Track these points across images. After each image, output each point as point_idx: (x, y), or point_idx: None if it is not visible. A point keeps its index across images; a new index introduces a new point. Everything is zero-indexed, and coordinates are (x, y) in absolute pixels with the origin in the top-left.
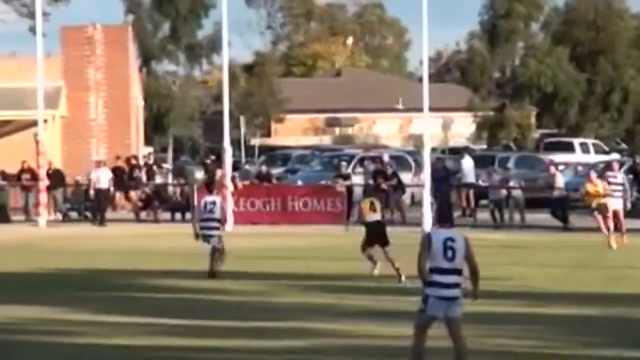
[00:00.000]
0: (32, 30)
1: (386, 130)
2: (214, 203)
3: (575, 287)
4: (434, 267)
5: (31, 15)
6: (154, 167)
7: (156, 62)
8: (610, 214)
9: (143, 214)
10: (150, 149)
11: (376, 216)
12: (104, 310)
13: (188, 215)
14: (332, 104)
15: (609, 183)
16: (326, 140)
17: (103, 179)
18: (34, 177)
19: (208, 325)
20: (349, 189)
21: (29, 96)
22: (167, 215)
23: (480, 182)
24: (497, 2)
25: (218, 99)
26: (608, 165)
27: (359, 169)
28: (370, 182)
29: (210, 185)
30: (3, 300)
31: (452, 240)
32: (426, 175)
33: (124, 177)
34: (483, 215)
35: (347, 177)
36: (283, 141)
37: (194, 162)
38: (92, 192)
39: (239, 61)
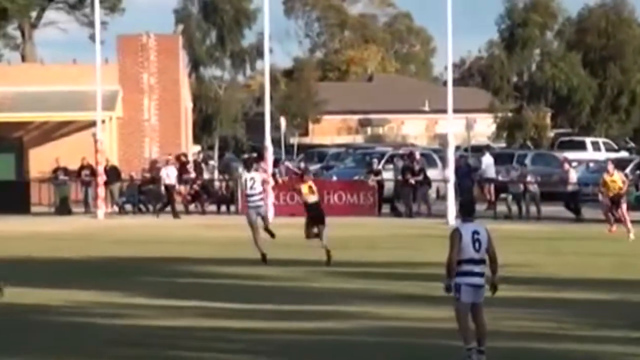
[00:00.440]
0: (92, 38)
1: (414, 130)
2: (253, 179)
3: (586, 274)
4: (465, 259)
5: (90, 24)
6: (202, 164)
7: (204, 67)
8: (624, 206)
9: (192, 207)
10: (199, 148)
11: (314, 197)
12: (154, 294)
13: (232, 208)
14: (364, 106)
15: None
16: (359, 139)
17: (171, 175)
18: (93, 173)
19: (248, 308)
20: (380, 184)
21: (89, 99)
22: (213, 207)
23: (500, 178)
24: (515, 12)
25: (260, 101)
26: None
27: (389, 166)
28: (399, 177)
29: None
30: (65, 285)
31: (478, 232)
32: (450, 171)
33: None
34: (503, 208)
35: (378, 172)
36: (319, 140)
37: (238, 160)
38: (162, 187)
39: (280, 67)
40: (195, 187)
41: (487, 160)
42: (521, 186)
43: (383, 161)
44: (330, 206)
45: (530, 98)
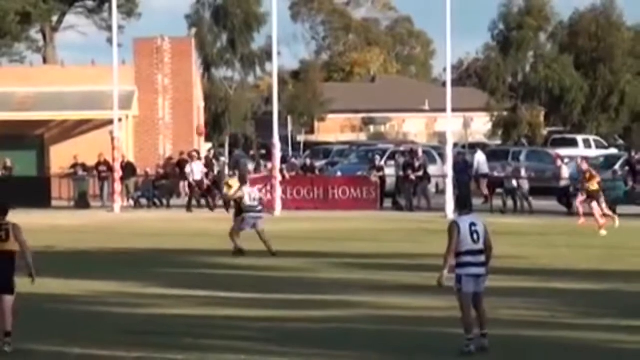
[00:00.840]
0: (109, 41)
1: (414, 128)
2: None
3: (578, 265)
4: (464, 250)
5: (108, 28)
6: (213, 160)
7: (215, 69)
8: (596, 203)
9: (202, 201)
10: (210, 145)
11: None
12: (170, 285)
13: None
14: (367, 106)
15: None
16: (362, 137)
17: (196, 171)
18: (110, 169)
19: (257, 298)
20: (382, 179)
21: (106, 99)
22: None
23: (495, 174)
24: (510, 16)
25: (268, 101)
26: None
27: (391, 162)
28: (401, 173)
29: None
30: (84, 275)
31: (475, 224)
32: (448, 167)
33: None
34: (498, 202)
35: (380, 169)
36: (325, 138)
37: (247, 156)
38: (187, 183)
39: (287, 68)
40: (207, 182)
41: (480, 157)
42: (514, 182)
43: (385, 158)
44: (334, 200)
45: (524, 98)
